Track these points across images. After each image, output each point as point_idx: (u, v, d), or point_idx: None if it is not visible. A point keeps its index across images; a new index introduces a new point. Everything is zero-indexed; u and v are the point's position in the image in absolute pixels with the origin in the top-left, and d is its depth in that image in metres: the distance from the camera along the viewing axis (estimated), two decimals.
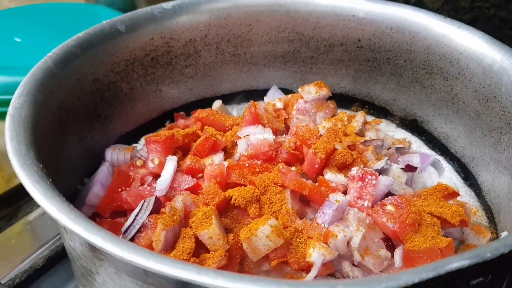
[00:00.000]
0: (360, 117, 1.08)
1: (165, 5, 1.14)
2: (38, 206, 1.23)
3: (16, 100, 0.82)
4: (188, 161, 0.97)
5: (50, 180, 0.69)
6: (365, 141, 1.03)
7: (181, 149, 1.03)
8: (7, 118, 0.78)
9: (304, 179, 0.91)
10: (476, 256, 0.55)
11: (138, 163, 1.00)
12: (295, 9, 1.20)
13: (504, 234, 0.91)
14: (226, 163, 0.95)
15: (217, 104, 1.21)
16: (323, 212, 0.87)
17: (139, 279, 0.63)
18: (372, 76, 1.22)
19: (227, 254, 0.79)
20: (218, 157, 0.99)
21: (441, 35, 1.07)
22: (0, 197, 1.24)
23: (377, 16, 1.14)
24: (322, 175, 0.96)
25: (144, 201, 0.85)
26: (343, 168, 0.98)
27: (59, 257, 1.06)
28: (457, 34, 1.05)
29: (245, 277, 0.53)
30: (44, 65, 0.91)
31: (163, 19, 1.14)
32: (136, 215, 0.83)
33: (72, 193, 0.97)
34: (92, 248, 0.67)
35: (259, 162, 0.96)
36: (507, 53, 0.96)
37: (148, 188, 0.94)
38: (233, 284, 0.52)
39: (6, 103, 1.42)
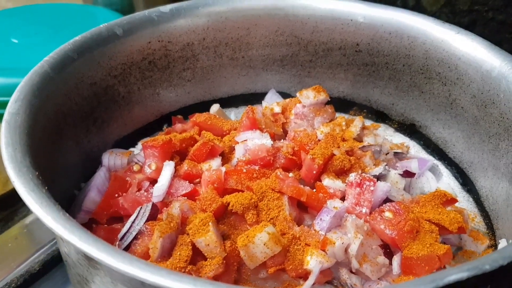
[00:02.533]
0: (358, 122, 1.08)
1: (162, 8, 1.14)
2: None
3: (12, 106, 0.81)
4: (185, 166, 0.96)
5: (46, 188, 0.68)
6: (363, 146, 1.02)
7: (179, 154, 1.03)
8: (3, 124, 0.77)
9: (302, 185, 0.91)
10: (474, 268, 0.54)
11: (135, 168, 0.99)
12: (293, 13, 1.19)
13: (502, 241, 0.90)
14: (223, 169, 0.94)
15: (215, 108, 1.21)
16: (320, 219, 0.86)
17: None
18: (370, 81, 1.22)
19: (224, 261, 0.79)
20: (216, 162, 0.99)
21: (439, 40, 1.07)
22: None
23: (376, 21, 1.14)
24: (320, 181, 0.96)
25: (141, 208, 0.85)
26: (341, 174, 0.97)
27: (55, 262, 1.05)
28: (455, 39, 1.04)
29: None
30: (40, 70, 0.90)
31: (161, 23, 1.13)
32: (133, 222, 0.82)
33: (69, 198, 0.96)
34: (88, 257, 0.66)
35: (256, 168, 0.96)
36: (506, 59, 0.96)
37: (145, 193, 0.93)
38: None
39: (3, 104, 1.43)
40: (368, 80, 1.22)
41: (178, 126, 1.13)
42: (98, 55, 1.03)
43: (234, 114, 1.29)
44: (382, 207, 0.90)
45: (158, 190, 0.91)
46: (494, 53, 0.98)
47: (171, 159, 0.99)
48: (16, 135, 0.75)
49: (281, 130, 1.11)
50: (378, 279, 0.84)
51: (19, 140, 0.75)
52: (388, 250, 0.88)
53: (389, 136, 1.20)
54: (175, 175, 0.96)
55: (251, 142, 0.99)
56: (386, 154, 1.05)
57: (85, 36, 1.02)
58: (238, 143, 1.02)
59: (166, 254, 0.79)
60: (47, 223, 0.61)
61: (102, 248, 0.56)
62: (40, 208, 0.63)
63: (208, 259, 0.79)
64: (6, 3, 2.21)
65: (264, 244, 0.79)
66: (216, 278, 0.77)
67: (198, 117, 1.10)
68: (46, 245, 1.12)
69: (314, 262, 0.80)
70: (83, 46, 1.01)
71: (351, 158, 0.98)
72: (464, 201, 1.06)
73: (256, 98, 1.30)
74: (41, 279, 1.04)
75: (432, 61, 1.08)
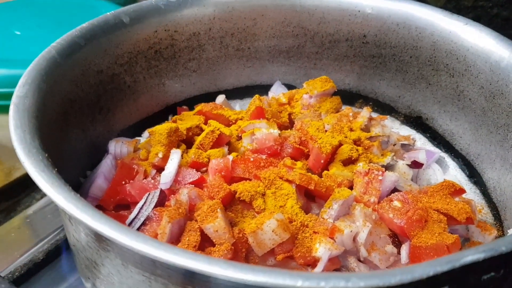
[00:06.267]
0: (365, 112, 1.07)
1: None
2: (37, 199, 1.22)
3: (20, 89, 0.80)
4: (192, 154, 0.96)
5: (56, 169, 0.68)
6: (371, 136, 1.02)
7: (185, 142, 1.02)
8: (11, 107, 0.76)
9: (310, 174, 0.91)
10: (491, 249, 0.54)
11: (142, 155, 0.98)
12: (300, 3, 1.19)
13: (511, 231, 0.90)
14: (230, 157, 0.94)
15: (221, 99, 1.20)
16: (329, 207, 0.86)
17: (146, 270, 0.62)
18: (377, 73, 1.21)
19: (233, 248, 0.78)
20: (223, 151, 0.98)
21: (447, 31, 1.06)
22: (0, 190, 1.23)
23: (384, 12, 1.13)
24: (328, 170, 0.95)
25: (149, 194, 0.84)
26: (349, 163, 0.97)
27: (58, 251, 1.04)
28: (464, 30, 1.04)
29: (256, 268, 0.52)
30: (48, 55, 0.90)
31: (168, 12, 1.12)
32: (141, 208, 0.82)
33: (75, 185, 0.95)
34: (98, 238, 0.65)
35: (263, 157, 0.95)
36: None
37: (152, 181, 0.93)
38: (244, 275, 0.51)
39: (6, 96, 1.42)
40: (374, 72, 1.22)
41: (184, 115, 1.13)
42: (105, 43, 1.03)
43: (239, 106, 1.28)
44: (390, 196, 0.90)
45: (166, 178, 0.90)
46: (503, 44, 0.98)
47: (178, 147, 0.99)
48: (24, 117, 0.75)
49: (288, 120, 1.11)
50: (387, 268, 0.84)
51: (28, 123, 0.74)
52: (396, 240, 0.88)
53: (395, 129, 1.20)
54: (182, 163, 0.95)
55: (258, 131, 0.99)
56: (394, 145, 1.05)
57: (92, 23, 1.01)
58: (244, 132, 1.01)
59: (175, 240, 0.78)
60: (59, 202, 0.60)
61: (115, 227, 0.56)
62: (51, 188, 0.62)
63: (216, 245, 0.78)
64: None
65: (273, 231, 0.78)
66: None
67: (205, 107, 1.10)
68: (49, 235, 1.11)
69: (322, 250, 0.79)
70: (90, 33, 1.00)
71: (359, 148, 0.98)
72: (471, 193, 1.06)
73: (261, 90, 1.29)
74: (44, 268, 1.03)
75: (440, 52, 1.08)
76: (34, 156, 0.67)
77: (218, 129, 1.00)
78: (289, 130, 1.05)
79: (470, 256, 0.53)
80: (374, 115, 1.20)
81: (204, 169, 0.96)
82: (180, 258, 0.52)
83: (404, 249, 0.84)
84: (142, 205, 0.82)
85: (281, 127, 1.07)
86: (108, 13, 1.05)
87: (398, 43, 1.15)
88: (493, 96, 0.98)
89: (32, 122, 0.75)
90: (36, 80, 0.84)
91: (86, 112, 1.00)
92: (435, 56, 1.09)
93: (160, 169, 0.95)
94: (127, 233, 0.55)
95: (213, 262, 0.52)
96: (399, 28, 1.13)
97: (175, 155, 0.94)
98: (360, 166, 0.93)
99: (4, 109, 0.82)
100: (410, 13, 1.11)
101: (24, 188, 1.25)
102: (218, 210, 0.80)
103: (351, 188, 0.92)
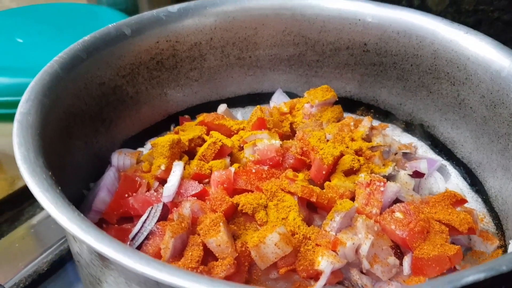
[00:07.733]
0: (366, 122, 1.07)
1: (170, 8, 1.14)
2: (41, 209, 1.23)
3: (23, 106, 0.81)
4: (194, 166, 0.96)
5: (59, 188, 0.68)
6: (372, 146, 1.02)
7: (187, 153, 1.03)
8: (15, 124, 0.77)
9: (311, 186, 0.91)
10: (491, 269, 0.54)
11: (144, 167, 0.99)
12: (301, 12, 1.19)
13: None
14: (232, 169, 0.94)
15: (222, 108, 1.21)
16: (331, 219, 0.86)
17: None
18: (378, 80, 1.22)
19: (235, 262, 0.79)
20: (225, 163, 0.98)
21: (448, 40, 1.06)
22: (3, 200, 1.23)
23: (384, 20, 1.14)
24: (330, 181, 0.96)
25: (152, 208, 0.85)
26: (350, 174, 0.97)
27: (63, 262, 1.05)
28: (464, 39, 1.04)
29: None
30: (50, 70, 0.90)
31: (169, 22, 1.13)
32: (144, 222, 0.82)
33: (78, 198, 0.96)
34: (102, 257, 0.66)
35: (265, 168, 0.96)
36: None
37: (155, 193, 0.93)
38: None
39: (8, 104, 1.43)
40: (375, 80, 1.22)
41: (186, 126, 1.13)
42: (107, 55, 1.03)
43: (241, 114, 1.29)
44: (392, 207, 0.90)
45: (168, 190, 0.91)
46: (504, 53, 0.98)
47: (180, 158, 0.99)
48: (28, 135, 0.75)
49: (289, 130, 1.11)
50: (389, 279, 0.84)
51: (31, 141, 0.75)
52: (399, 251, 0.88)
53: (396, 136, 1.20)
54: (184, 175, 0.96)
55: (260, 142, 0.99)
56: (395, 154, 1.05)
57: (94, 36, 1.02)
58: (246, 143, 1.02)
59: (178, 254, 0.79)
60: (63, 223, 0.60)
61: (118, 248, 0.56)
62: (55, 209, 0.62)
63: (219, 260, 0.79)
64: (10, 3, 2.21)
65: (275, 245, 0.79)
66: (227, 278, 0.77)
67: (207, 117, 1.10)
68: (54, 245, 1.11)
69: (325, 263, 0.80)
70: (92, 46, 1.01)
71: (360, 158, 0.98)
72: (473, 202, 1.06)
73: (262, 98, 1.30)
74: (49, 279, 1.04)
75: (440, 61, 1.08)
76: (38, 176, 0.68)
77: (220, 141, 1.00)
78: (290, 140, 1.05)
79: (471, 276, 0.54)
80: (375, 122, 1.21)
81: (207, 180, 0.96)
82: (183, 281, 0.53)
83: (406, 261, 0.84)
84: (145, 220, 0.83)
85: (283, 136, 1.07)
86: (109, 25, 1.05)
87: (399, 52, 1.15)
88: (494, 105, 0.99)
89: (35, 140, 0.76)
90: (39, 96, 0.84)
91: (89, 125, 1.01)
92: (436, 64, 1.10)
93: (163, 181, 0.96)
94: (131, 255, 0.55)
95: (216, 284, 0.52)
96: (399, 37, 1.13)
97: (178, 168, 0.95)
98: (362, 177, 0.93)
99: (6, 118, 0.82)
100: (410, 21, 1.11)
101: (28, 197, 1.25)
102: (221, 224, 0.80)
103: (352, 198, 0.92)
